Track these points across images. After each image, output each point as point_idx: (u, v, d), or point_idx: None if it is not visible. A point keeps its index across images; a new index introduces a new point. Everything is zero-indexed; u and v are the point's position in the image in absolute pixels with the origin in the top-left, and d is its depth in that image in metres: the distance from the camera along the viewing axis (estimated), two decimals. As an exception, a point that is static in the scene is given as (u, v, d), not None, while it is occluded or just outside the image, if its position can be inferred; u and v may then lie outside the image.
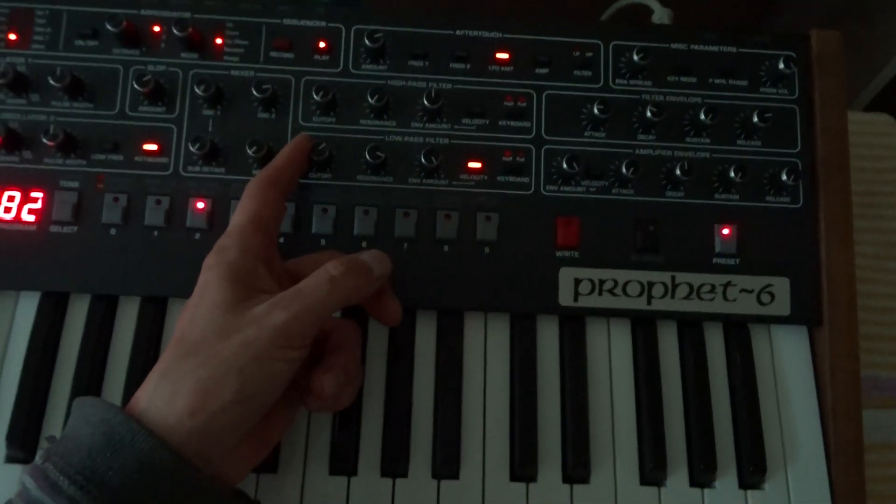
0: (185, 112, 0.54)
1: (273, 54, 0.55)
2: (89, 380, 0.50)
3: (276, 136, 0.53)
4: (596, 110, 0.53)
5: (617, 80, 0.56)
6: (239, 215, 0.46)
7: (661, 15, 0.69)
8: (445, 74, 0.55)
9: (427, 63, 0.55)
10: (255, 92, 0.52)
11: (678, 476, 0.51)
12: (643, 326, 0.54)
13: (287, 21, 0.55)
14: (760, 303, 0.53)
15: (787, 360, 0.54)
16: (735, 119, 0.56)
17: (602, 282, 0.53)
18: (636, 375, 0.53)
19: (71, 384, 0.50)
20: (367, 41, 0.54)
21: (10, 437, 0.48)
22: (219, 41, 0.55)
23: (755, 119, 0.54)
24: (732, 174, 0.53)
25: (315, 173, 0.53)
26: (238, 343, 0.40)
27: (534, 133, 0.55)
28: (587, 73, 0.56)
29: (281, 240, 0.52)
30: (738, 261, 0.54)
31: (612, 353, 0.53)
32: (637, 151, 0.55)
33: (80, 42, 0.54)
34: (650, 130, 0.55)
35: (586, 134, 0.55)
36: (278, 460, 0.49)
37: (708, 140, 0.55)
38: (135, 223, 0.52)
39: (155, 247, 0.52)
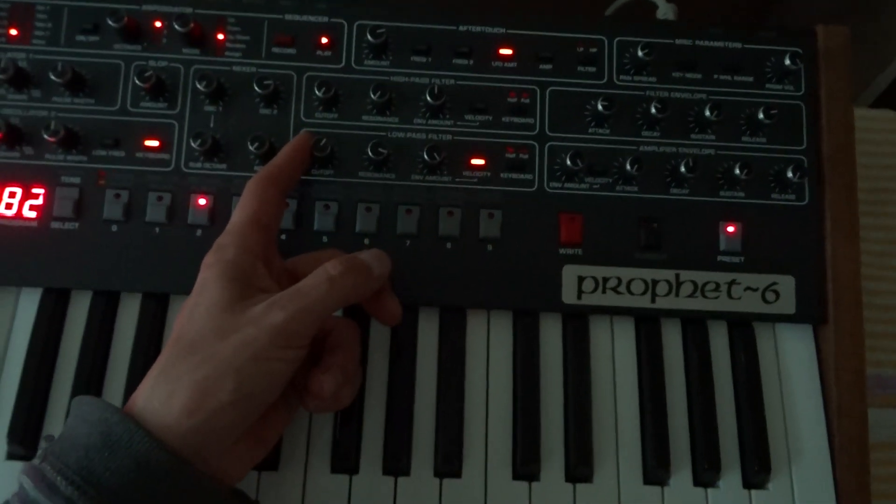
0: (186, 108, 0.53)
1: (275, 50, 0.54)
2: (90, 376, 0.50)
3: (277, 133, 0.53)
4: (600, 107, 0.53)
5: (621, 76, 0.56)
6: (238, 214, 0.45)
7: (665, 10, 0.68)
8: (448, 70, 0.55)
9: (430, 59, 0.55)
10: (256, 88, 0.52)
11: (682, 475, 0.50)
12: (647, 324, 0.53)
13: (289, 16, 0.55)
14: (765, 301, 0.53)
15: (792, 358, 0.54)
16: (740, 115, 0.55)
17: (606, 279, 0.53)
18: (640, 374, 0.53)
19: (72, 381, 0.50)
20: (369, 37, 0.53)
21: (11, 434, 0.48)
22: (220, 37, 0.54)
23: (760, 115, 0.54)
24: (737, 171, 0.53)
25: (317, 170, 0.53)
26: (236, 343, 0.40)
27: (537, 129, 0.54)
28: (591, 69, 0.55)
29: (283, 237, 0.52)
30: (742, 259, 0.53)
31: (615, 351, 0.53)
32: (641, 148, 0.55)
33: (81, 37, 0.54)
34: (654, 127, 0.55)
35: (590, 130, 0.55)
36: (279, 458, 0.49)
37: (713, 137, 0.55)
38: (136, 219, 0.52)
39: (156, 243, 0.51)
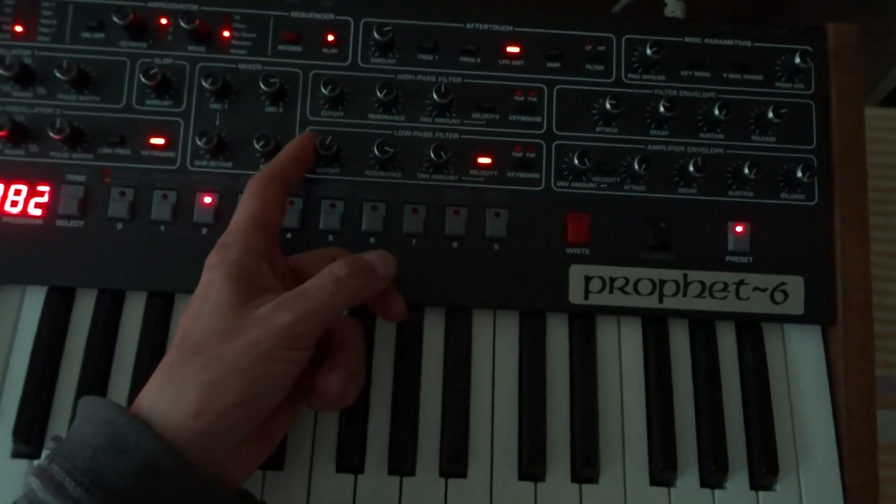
0: (192, 106, 0.53)
1: (281, 47, 0.54)
2: (95, 374, 0.50)
3: (283, 131, 0.53)
4: (608, 105, 0.53)
5: (629, 75, 0.55)
6: (241, 213, 0.45)
7: (674, 8, 0.68)
8: (455, 68, 0.54)
9: (436, 57, 0.55)
10: (262, 85, 0.52)
11: (689, 477, 0.50)
12: (654, 325, 0.53)
13: (295, 14, 0.55)
14: (774, 301, 0.53)
15: (801, 359, 0.53)
16: (749, 114, 0.55)
17: (613, 279, 0.52)
18: (647, 375, 0.52)
19: (77, 379, 0.50)
20: (375, 34, 0.53)
21: (17, 432, 0.48)
22: (226, 34, 0.54)
23: (770, 114, 0.53)
24: (746, 170, 0.52)
25: (323, 168, 0.53)
26: (242, 344, 0.39)
27: (544, 128, 0.54)
28: (599, 67, 0.55)
29: (288, 235, 0.52)
30: (751, 259, 0.53)
31: (622, 351, 0.53)
32: (649, 147, 0.54)
33: (86, 34, 0.54)
34: (663, 126, 0.54)
35: (598, 129, 0.54)
36: (284, 458, 0.49)
37: (722, 136, 0.55)
38: (141, 217, 0.52)
39: (161, 241, 0.51)
